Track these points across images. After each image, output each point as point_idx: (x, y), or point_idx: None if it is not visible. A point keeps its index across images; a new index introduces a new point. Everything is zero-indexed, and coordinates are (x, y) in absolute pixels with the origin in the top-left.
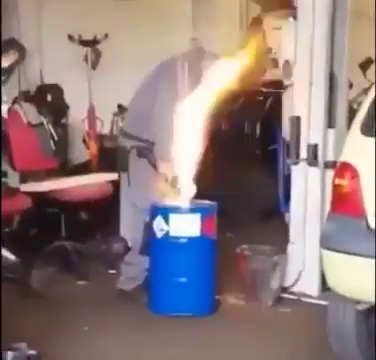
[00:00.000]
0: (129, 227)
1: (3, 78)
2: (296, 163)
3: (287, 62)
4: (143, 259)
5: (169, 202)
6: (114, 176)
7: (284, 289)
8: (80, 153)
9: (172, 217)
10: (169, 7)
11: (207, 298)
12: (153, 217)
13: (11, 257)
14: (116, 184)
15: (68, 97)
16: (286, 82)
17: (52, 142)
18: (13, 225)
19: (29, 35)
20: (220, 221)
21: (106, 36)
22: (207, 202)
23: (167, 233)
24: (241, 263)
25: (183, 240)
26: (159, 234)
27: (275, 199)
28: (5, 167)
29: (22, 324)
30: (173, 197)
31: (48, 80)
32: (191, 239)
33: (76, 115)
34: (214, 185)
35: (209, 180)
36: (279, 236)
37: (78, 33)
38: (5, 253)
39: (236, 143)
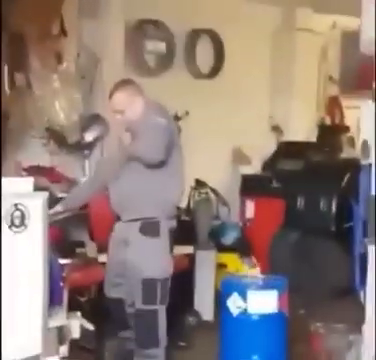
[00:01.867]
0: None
1: (86, 152)
2: (372, 242)
3: (365, 142)
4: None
5: None
6: (190, 249)
7: None
8: None
9: (250, 294)
10: (248, 86)
11: None
12: (227, 294)
13: (89, 327)
14: (191, 257)
15: None
16: (364, 162)
17: None
18: (91, 294)
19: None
20: (293, 297)
21: (187, 113)
22: (278, 277)
23: (245, 310)
24: (315, 341)
25: (260, 317)
26: (235, 312)
27: (350, 277)
28: (84, 237)
29: None
30: None
31: None
32: (267, 316)
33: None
34: (289, 260)
35: (283, 255)
36: (354, 315)
37: None
38: (84, 322)
39: (311, 219)
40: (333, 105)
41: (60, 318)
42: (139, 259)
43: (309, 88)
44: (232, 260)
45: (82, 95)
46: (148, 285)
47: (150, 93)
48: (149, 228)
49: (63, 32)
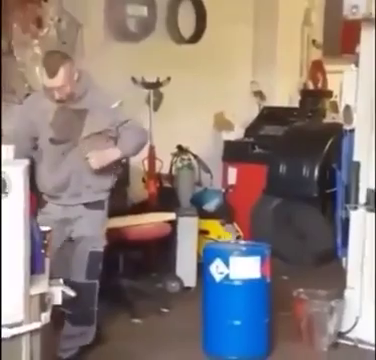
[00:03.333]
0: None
1: None
2: (355, 208)
3: (348, 107)
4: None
5: None
6: (172, 216)
7: (340, 334)
8: (139, 192)
9: (232, 260)
10: (230, 51)
11: (261, 341)
12: (210, 260)
13: (71, 293)
14: (174, 224)
15: None
16: (346, 127)
17: None
18: None
19: (95, 77)
20: (276, 263)
21: (169, 79)
22: (261, 243)
23: (227, 276)
24: (297, 307)
25: (242, 283)
26: (218, 277)
27: (333, 243)
28: None
29: None
30: None
31: None
32: (249, 281)
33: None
34: (271, 227)
35: (265, 222)
36: (336, 280)
37: (141, 76)
38: (65, 289)
39: (294, 185)
40: (316, 70)
41: (42, 285)
42: (88, 232)
43: (292, 52)
44: (214, 227)
45: None
46: (94, 259)
47: (131, 58)
48: (95, 203)
49: None
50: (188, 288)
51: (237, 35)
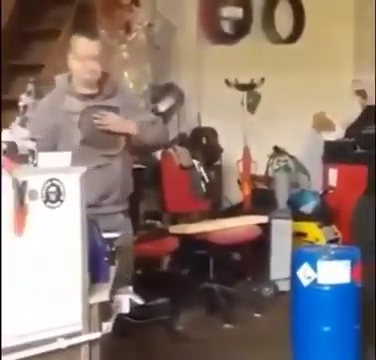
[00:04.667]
0: None
1: None
2: None
3: None
4: None
5: None
6: (264, 219)
7: None
8: (234, 194)
9: (321, 264)
10: (330, 49)
11: (351, 349)
12: (298, 264)
13: (139, 301)
14: (266, 227)
15: (224, 139)
16: None
17: (203, 184)
18: (162, 266)
19: (189, 80)
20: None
21: (262, 80)
22: (351, 247)
23: (315, 281)
24: None
25: (331, 288)
26: (305, 282)
27: None
28: (157, 209)
29: None
30: None
31: (206, 123)
32: (338, 286)
33: (231, 157)
34: (372, 229)
35: (367, 224)
36: None
37: (235, 77)
38: (134, 297)
39: None
40: None
41: (103, 294)
42: (129, 243)
43: None
44: (312, 229)
45: (156, 65)
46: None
47: (226, 60)
48: (126, 211)
49: (135, 2)
50: (283, 292)
51: (337, 32)
